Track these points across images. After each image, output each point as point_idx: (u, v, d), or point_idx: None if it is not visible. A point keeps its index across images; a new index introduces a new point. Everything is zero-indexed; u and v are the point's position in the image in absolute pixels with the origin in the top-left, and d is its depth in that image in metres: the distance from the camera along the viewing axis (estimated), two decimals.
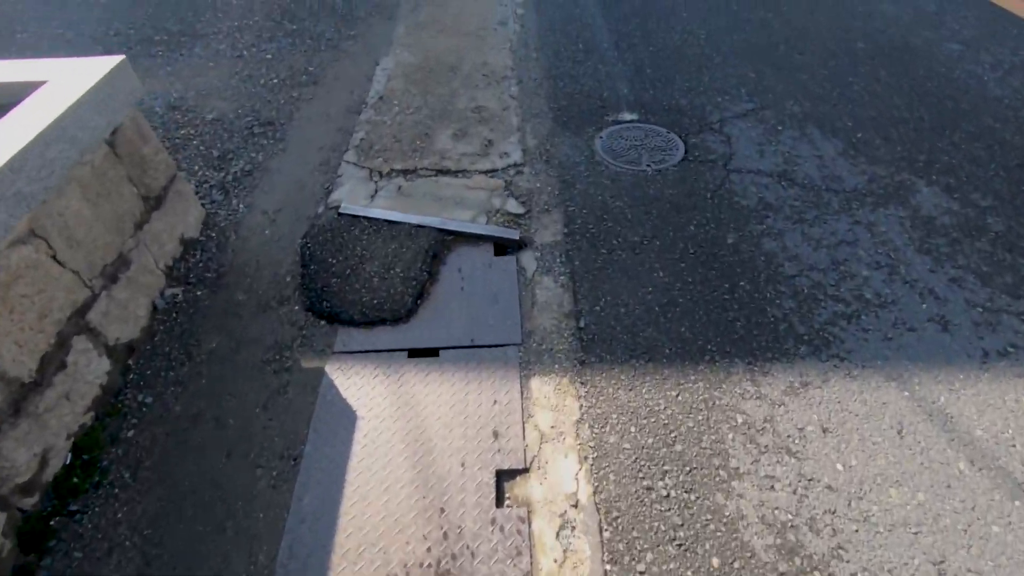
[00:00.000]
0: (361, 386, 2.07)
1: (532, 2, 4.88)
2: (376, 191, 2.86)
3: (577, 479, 1.80)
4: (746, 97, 3.56)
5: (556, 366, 2.11)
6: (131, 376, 2.09)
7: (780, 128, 3.28)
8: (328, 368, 2.12)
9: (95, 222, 2.03)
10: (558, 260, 2.53)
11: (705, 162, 3.06)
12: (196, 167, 2.99)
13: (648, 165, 3.07)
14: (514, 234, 2.61)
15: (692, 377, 2.04)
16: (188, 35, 4.19)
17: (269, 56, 3.99)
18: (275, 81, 3.72)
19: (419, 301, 2.35)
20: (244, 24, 4.36)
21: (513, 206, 2.80)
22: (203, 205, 2.75)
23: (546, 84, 3.77)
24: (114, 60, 2.15)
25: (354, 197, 2.80)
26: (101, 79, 2.04)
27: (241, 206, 2.80)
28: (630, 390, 2.02)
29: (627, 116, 3.45)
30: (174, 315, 2.30)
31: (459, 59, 4.02)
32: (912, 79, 3.66)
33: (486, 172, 3.01)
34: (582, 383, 2.05)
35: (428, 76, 3.82)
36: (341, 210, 2.69)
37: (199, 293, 2.39)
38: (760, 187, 2.87)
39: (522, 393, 2.03)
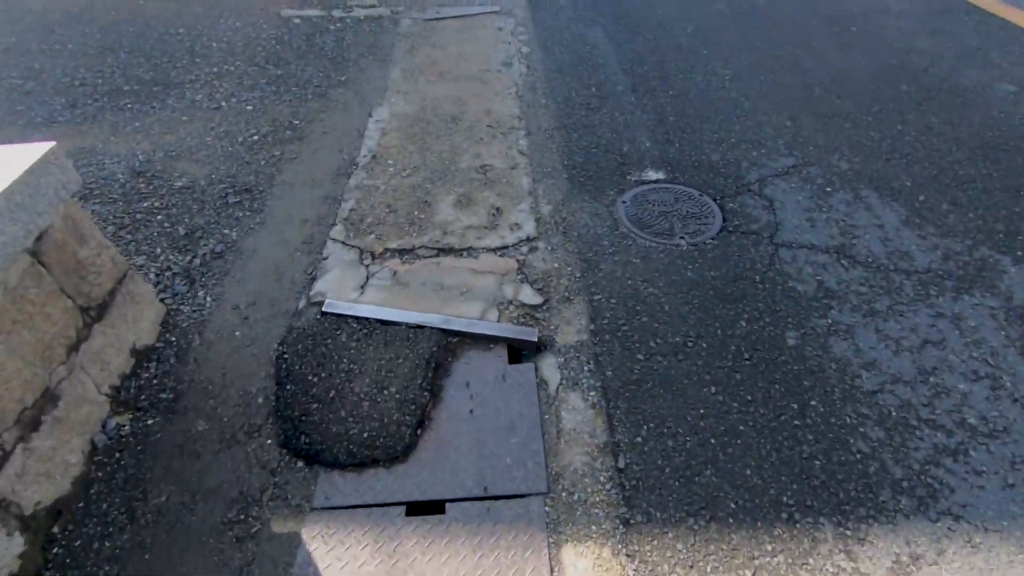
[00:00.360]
0: (347, 561, 1.62)
1: (537, 40, 4.51)
2: (367, 278, 2.43)
3: None
4: (785, 150, 3.16)
5: (593, 528, 1.67)
6: (55, 551, 1.65)
7: (829, 190, 2.87)
8: (305, 534, 1.68)
9: (7, 360, 1.60)
10: (586, 369, 2.10)
11: (748, 233, 2.65)
12: (159, 249, 2.57)
13: (682, 237, 2.65)
14: (531, 334, 2.19)
15: (768, 547, 1.60)
16: (161, 84, 3.80)
17: (250, 107, 3.60)
18: (255, 138, 3.32)
19: (419, 431, 1.91)
20: (224, 70, 3.98)
21: (528, 295, 2.37)
22: (163, 300, 2.33)
23: (558, 136, 3.37)
24: (41, 149, 1.74)
25: (341, 288, 2.38)
26: (19, 177, 1.63)
27: (209, 299, 2.38)
28: (690, 567, 1.58)
29: (652, 175, 3.05)
30: (117, 455, 1.87)
31: (461, 107, 3.63)
32: (968, 127, 3.27)
33: (495, 250, 2.59)
34: (628, 556, 1.61)
35: (426, 128, 3.42)
36: (325, 308, 2.27)
37: (151, 422, 1.96)
38: (816, 267, 2.45)
39: (552, 570, 1.59)
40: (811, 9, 4.80)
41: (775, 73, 3.90)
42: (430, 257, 2.56)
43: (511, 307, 2.32)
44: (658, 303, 2.33)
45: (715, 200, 2.86)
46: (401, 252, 2.58)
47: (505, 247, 2.61)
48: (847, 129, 3.31)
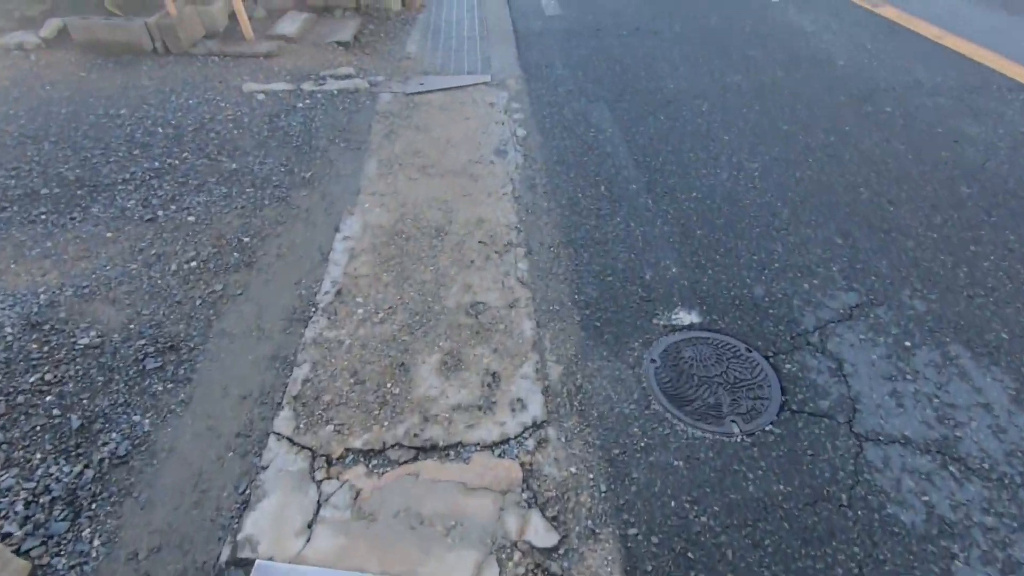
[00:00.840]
0: None
1: (535, 120, 3.97)
2: (319, 506, 1.79)
3: None
4: (842, 281, 2.60)
5: None
6: None
7: (909, 344, 2.30)
8: None
9: None
10: None
11: (818, 416, 2.05)
12: (37, 457, 1.91)
13: (733, 421, 2.05)
14: None
15: None
16: (88, 185, 3.17)
17: (192, 218, 2.98)
18: (193, 264, 2.69)
19: None
20: (167, 164, 3.37)
21: (539, 530, 1.74)
22: (28, 552, 1.66)
23: (565, 257, 2.79)
24: None
25: (281, 530, 1.73)
26: None
27: (97, 542, 1.71)
28: None
29: (684, 317, 2.46)
30: None
31: (447, 215, 3.04)
32: None
33: (492, 446, 1.96)
34: None
35: (405, 247, 2.82)
36: (256, 571, 1.61)
37: None
38: (919, 478, 1.85)
39: None
40: (835, 84, 4.34)
41: (810, 168, 3.37)
42: (406, 463, 1.92)
43: (516, 555, 1.68)
44: (717, 547, 1.71)
45: (768, 358, 2.27)
46: (367, 455, 1.93)
47: (506, 440, 1.98)
48: (911, 249, 2.76)
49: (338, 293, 2.56)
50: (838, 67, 4.60)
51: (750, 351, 2.31)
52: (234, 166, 3.39)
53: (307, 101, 4.12)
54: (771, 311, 2.48)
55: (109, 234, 2.86)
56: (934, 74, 4.41)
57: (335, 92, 4.27)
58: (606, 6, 6.11)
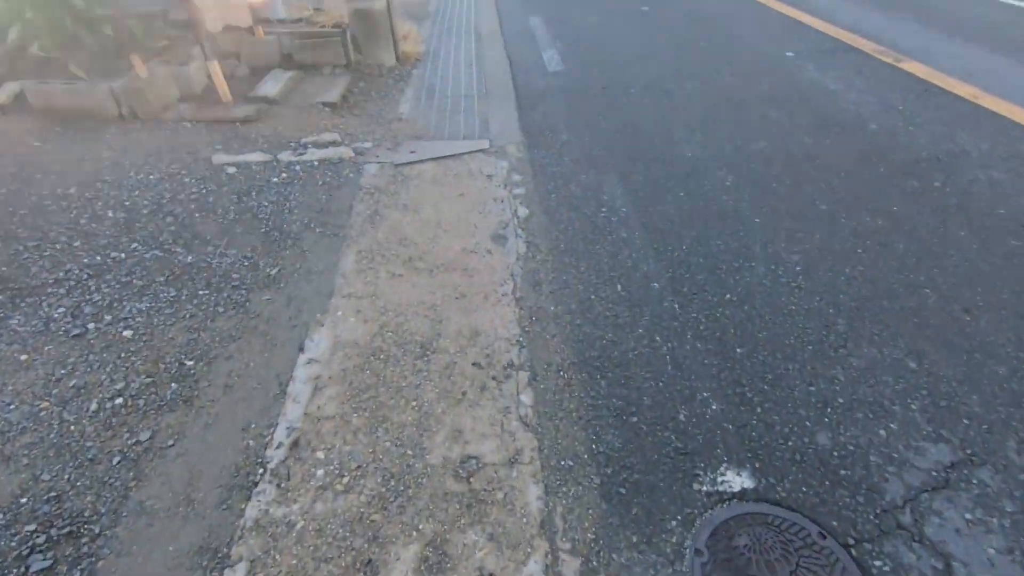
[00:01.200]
0: None
1: (538, 196, 3.52)
2: None
3: None
4: (927, 425, 2.07)
5: None
6: None
7: None
8: None
9: None
10: None
11: None
12: None
13: None
14: None
15: None
16: (13, 287, 2.69)
17: (129, 332, 2.48)
18: (119, 400, 2.17)
19: None
20: (111, 259, 2.89)
21: None
22: None
23: (577, 385, 2.27)
24: None
25: None
26: None
27: None
28: None
29: (733, 479, 1.93)
30: None
31: (435, 324, 2.54)
32: None
33: None
34: None
35: (383, 373, 2.30)
36: None
37: None
38: None
39: None
40: (870, 152, 3.90)
41: (861, 262, 2.89)
42: None
43: None
44: None
45: (849, 549, 1.73)
46: None
47: None
48: (1004, 379, 2.24)
49: (294, 445, 2.03)
50: (871, 132, 4.18)
51: (824, 537, 1.77)
52: (189, 259, 2.91)
53: (283, 175, 3.68)
54: (843, 471, 1.94)
55: (24, 356, 2.35)
56: (980, 141, 3.98)
57: (316, 163, 3.84)
58: (611, 61, 5.77)
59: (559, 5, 7.99)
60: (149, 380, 2.26)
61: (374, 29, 5.50)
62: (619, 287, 2.79)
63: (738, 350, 2.42)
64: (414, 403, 2.19)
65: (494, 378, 2.30)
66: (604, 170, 3.81)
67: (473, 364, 2.36)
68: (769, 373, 2.31)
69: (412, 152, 4.06)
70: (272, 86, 4.76)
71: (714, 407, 2.18)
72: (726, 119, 4.45)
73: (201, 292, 2.70)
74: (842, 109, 4.55)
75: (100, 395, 2.19)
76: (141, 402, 2.17)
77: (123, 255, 2.92)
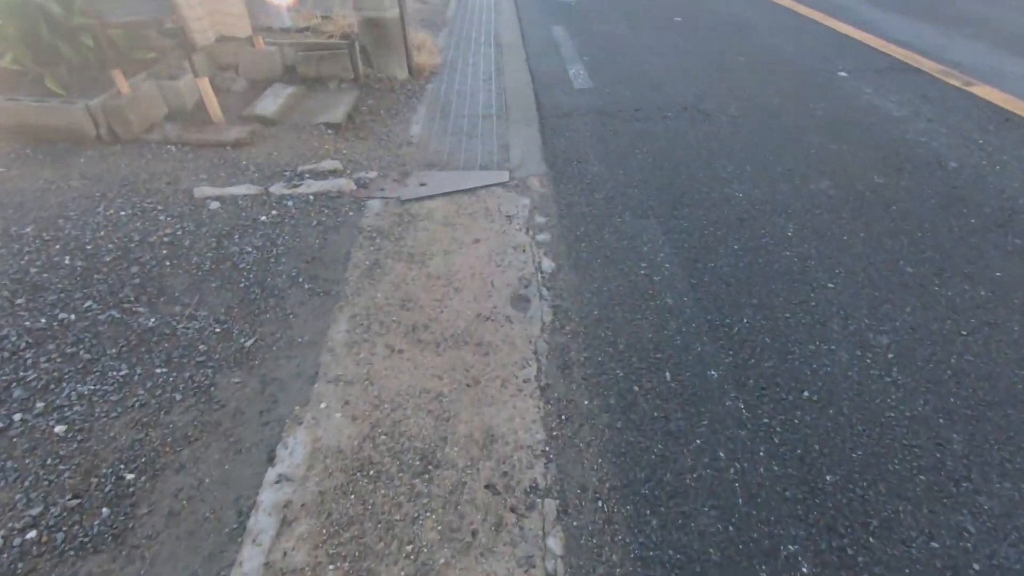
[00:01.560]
0: None
1: (565, 244, 3.00)
2: None
3: None
4: None
5: None
6: None
7: None
8: None
9: None
10: None
11: None
12: None
13: None
14: None
15: None
16: None
17: (62, 428, 2.00)
18: (31, 535, 1.69)
19: None
20: (57, 323, 2.42)
21: None
22: None
23: (621, 523, 1.75)
24: None
25: None
26: None
27: None
28: None
29: None
30: None
31: (441, 424, 2.03)
32: None
33: None
34: None
35: (371, 501, 1.80)
36: None
37: None
38: None
39: None
40: (954, 197, 3.34)
41: (968, 349, 2.33)
42: None
43: None
44: None
45: None
46: None
47: None
48: None
49: None
50: (951, 171, 3.61)
51: None
52: (151, 322, 2.44)
53: (273, 212, 3.20)
54: None
55: None
56: None
57: (311, 198, 3.35)
58: (643, 77, 5.23)
59: (584, 14, 7.47)
60: (75, 503, 1.77)
61: (385, 39, 5.03)
62: (668, 375, 2.26)
63: (827, 477, 1.88)
64: (409, 548, 1.68)
65: (513, 509, 1.79)
66: (642, 213, 3.28)
67: (486, 487, 1.85)
68: (873, 516, 1.76)
69: (422, 185, 3.56)
70: (270, 103, 4.30)
71: (804, 569, 1.64)
72: (778, 150, 3.90)
73: (158, 371, 2.22)
74: (913, 142, 3.98)
75: (9, 524, 1.70)
76: (59, 537, 1.68)
77: (73, 316, 2.45)
